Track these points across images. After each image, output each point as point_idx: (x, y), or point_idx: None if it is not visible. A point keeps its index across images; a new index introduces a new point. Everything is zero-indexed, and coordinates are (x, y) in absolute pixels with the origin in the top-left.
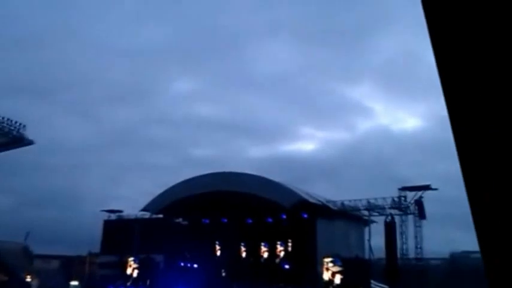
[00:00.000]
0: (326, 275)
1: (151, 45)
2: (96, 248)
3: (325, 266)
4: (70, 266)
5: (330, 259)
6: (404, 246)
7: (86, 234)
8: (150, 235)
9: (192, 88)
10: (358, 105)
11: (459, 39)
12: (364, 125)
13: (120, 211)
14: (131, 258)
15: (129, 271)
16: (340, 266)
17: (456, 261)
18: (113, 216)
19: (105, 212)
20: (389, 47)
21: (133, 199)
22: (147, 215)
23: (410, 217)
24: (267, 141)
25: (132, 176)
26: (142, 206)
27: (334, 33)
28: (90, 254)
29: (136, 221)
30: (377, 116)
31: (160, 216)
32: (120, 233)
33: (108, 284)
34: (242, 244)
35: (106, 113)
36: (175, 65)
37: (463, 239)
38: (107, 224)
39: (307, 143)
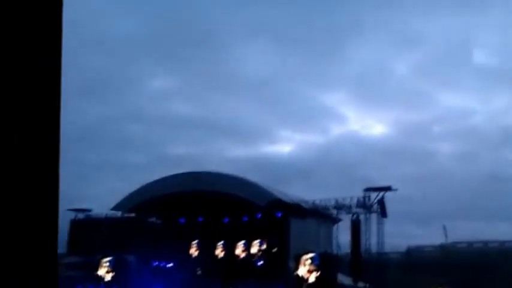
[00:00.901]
0: (302, 271)
1: (130, 40)
2: (62, 248)
3: (303, 263)
4: None
5: (308, 256)
6: (367, 242)
7: None
8: (121, 235)
9: (170, 86)
10: (332, 111)
11: None
12: (336, 130)
13: (89, 210)
14: (106, 259)
15: (101, 272)
16: (317, 265)
17: (411, 254)
18: (81, 216)
19: (72, 211)
20: (362, 59)
21: (103, 198)
22: (117, 214)
23: (374, 215)
24: (246, 142)
25: (104, 174)
26: (112, 205)
27: (312, 41)
28: None
29: (106, 220)
30: (348, 122)
31: (132, 215)
32: (88, 232)
33: (75, 285)
34: (218, 242)
35: (76, 107)
36: (154, 62)
37: (419, 234)
38: (74, 223)
39: (285, 145)
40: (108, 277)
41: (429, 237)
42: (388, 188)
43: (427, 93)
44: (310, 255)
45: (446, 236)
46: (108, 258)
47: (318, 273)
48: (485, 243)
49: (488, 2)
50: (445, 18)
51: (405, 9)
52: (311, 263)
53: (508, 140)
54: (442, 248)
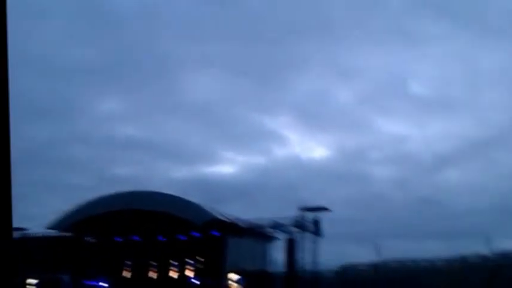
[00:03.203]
0: None
1: (76, 65)
2: None
3: (231, 283)
4: None
5: (235, 277)
6: (302, 261)
7: None
8: (57, 254)
9: (116, 109)
10: (275, 134)
11: None
12: (279, 152)
13: (25, 229)
14: (33, 281)
15: None
16: (243, 285)
17: (345, 272)
18: (17, 234)
19: None
20: (304, 85)
21: (43, 218)
22: (54, 233)
23: (308, 234)
24: (189, 164)
25: (45, 194)
26: (49, 223)
27: (256, 68)
28: None
29: (42, 239)
30: (290, 145)
31: (69, 234)
32: (22, 251)
33: None
34: (153, 262)
35: (21, 130)
36: (100, 85)
37: (353, 253)
38: None
39: (227, 166)
40: None
41: (363, 256)
42: (323, 209)
43: (366, 120)
44: (237, 277)
45: (378, 254)
46: (34, 281)
47: None
48: (416, 261)
49: (424, 37)
50: (384, 51)
51: (347, 42)
52: (238, 286)
53: (439, 165)
54: (375, 266)
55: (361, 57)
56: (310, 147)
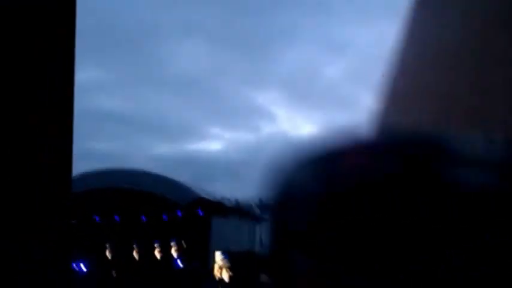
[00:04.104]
0: (217, 271)
1: None
2: None
3: (216, 262)
4: None
5: (220, 255)
6: None
7: None
8: None
9: (94, 80)
10: (263, 110)
11: None
12: (267, 129)
13: None
14: None
15: None
16: (228, 261)
17: None
18: None
19: None
20: (293, 60)
21: None
22: None
23: None
24: (173, 140)
25: None
26: None
27: (245, 41)
28: None
29: None
30: (279, 121)
31: None
32: None
33: None
34: (135, 242)
35: None
36: (78, 54)
37: None
38: None
39: (214, 142)
40: None
41: None
42: None
43: (356, 96)
44: (222, 254)
45: None
46: None
47: (231, 274)
48: None
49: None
50: (375, 25)
51: (337, 14)
52: (223, 263)
53: None
54: None
55: (353, 30)
56: (299, 124)
